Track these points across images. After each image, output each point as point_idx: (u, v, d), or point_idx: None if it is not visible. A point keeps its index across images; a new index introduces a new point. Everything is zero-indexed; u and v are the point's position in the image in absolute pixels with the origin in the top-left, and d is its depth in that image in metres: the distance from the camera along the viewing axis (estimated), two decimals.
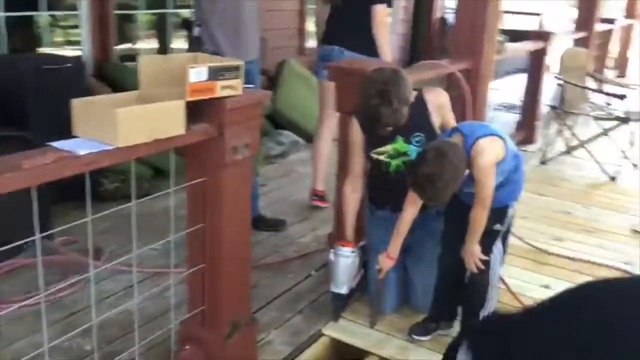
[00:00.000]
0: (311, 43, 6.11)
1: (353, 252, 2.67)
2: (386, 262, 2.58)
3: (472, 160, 2.25)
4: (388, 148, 2.58)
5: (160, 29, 5.54)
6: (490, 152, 2.28)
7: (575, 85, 5.23)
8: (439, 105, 2.59)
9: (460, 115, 3.17)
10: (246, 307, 2.36)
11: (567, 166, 5.24)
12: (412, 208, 2.48)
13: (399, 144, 2.57)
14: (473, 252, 2.41)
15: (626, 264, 3.50)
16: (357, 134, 2.61)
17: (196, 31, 3.04)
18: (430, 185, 2.20)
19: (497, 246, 2.49)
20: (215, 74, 1.88)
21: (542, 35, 5.60)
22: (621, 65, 9.49)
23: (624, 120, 4.83)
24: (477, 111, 3.68)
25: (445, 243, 2.59)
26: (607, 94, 5.34)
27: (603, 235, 3.90)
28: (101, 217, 1.79)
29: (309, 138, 4.75)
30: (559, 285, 3.19)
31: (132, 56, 4.98)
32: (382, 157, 2.59)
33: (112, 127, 1.65)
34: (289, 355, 2.50)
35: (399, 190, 2.56)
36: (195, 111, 1.89)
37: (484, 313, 2.53)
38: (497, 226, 2.44)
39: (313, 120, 4.30)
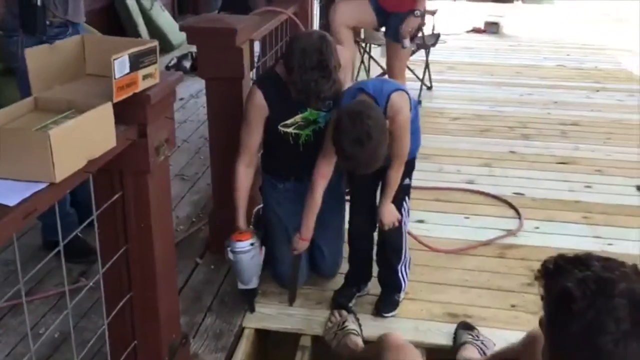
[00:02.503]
0: None
1: (252, 244, 2.33)
2: (301, 244, 2.38)
3: (390, 119, 2.13)
4: (297, 119, 2.32)
5: None
6: (405, 108, 2.19)
7: None
8: (344, 65, 2.39)
9: None
10: (178, 327, 2.02)
11: None
12: (323, 184, 2.28)
13: (309, 113, 2.32)
14: (391, 211, 2.35)
15: (469, 183, 3.77)
16: (260, 108, 2.28)
17: None
18: (360, 151, 2.03)
19: (406, 200, 2.44)
20: (137, 62, 1.47)
21: None
22: None
23: (424, 46, 5.09)
24: None
25: (358, 206, 2.48)
26: None
27: (436, 160, 4.11)
28: None
29: None
30: (430, 218, 3.32)
31: None
32: (290, 130, 2.34)
33: (42, 157, 1.19)
34: None
35: (307, 160, 2.36)
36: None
37: (401, 266, 2.52)
38: (407, 181, 2.39)
39: None
